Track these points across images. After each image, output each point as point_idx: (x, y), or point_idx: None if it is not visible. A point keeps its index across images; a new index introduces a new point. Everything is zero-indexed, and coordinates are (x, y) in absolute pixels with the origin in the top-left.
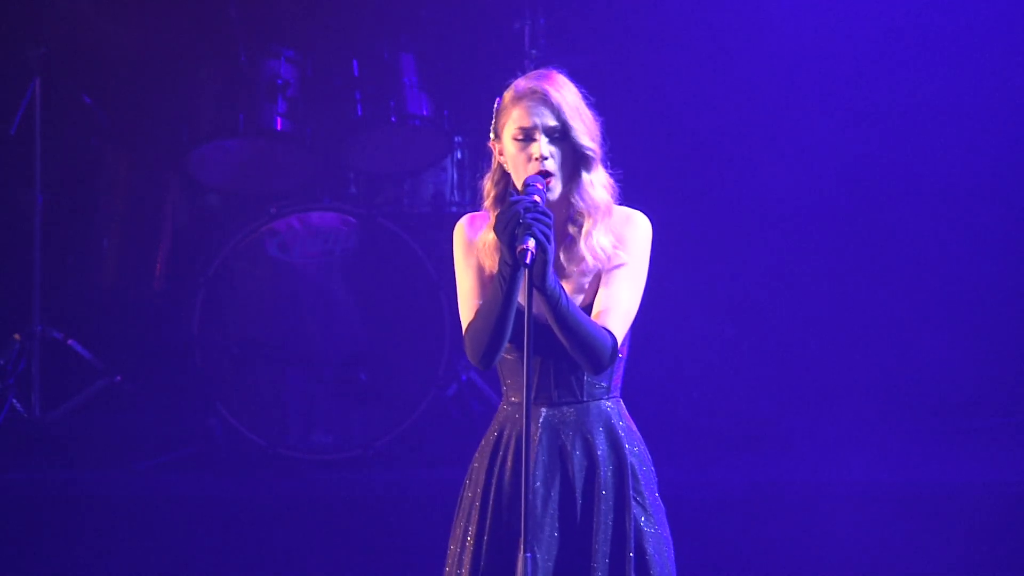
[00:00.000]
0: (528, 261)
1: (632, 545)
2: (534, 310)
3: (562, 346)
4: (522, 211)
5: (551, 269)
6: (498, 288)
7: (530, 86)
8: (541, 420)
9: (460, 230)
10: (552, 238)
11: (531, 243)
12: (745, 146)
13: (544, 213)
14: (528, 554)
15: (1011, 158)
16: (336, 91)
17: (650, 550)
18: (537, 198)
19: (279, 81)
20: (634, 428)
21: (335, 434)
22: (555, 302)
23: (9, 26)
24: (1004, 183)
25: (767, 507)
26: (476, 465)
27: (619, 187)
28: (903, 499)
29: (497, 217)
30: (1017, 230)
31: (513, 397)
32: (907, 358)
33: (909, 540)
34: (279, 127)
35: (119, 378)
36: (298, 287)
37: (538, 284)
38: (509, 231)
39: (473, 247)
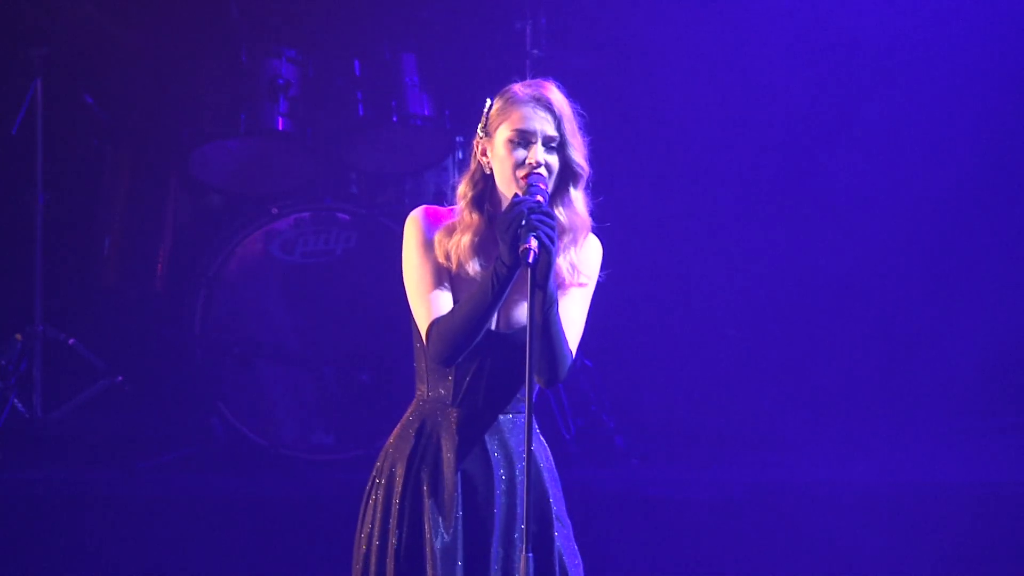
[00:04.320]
0: (531, 261)
1: (556, 560)
2: (494, 317)
3: (505, 354)
4: (526, 211)
5: (553, 271)
6: (488, 287)
7: (534, 93)
8: (458, 424)
9: (416, 224)
10: (556, 240)
11: (534, 243)
12: (747, 146)
13: (548, 214)
14: (530, 554)
15: (1012, 159)
16: (338, 91)
17: (568, 563)
18: (540, 198)
19: (280, 81)
20: (545, 443)
21: (335, 434)
22: (549, 305)
23: (11, 26)
24: (1005, 183)
25: (767, 507)
26: (387, 465)
27: (592, 210)
28: (903, 499)
29: (500, 217)
30: (1017, 230)
31: (433, 395)
32: (907, 358)
33: (909, 540)
34: (280, 127)
35: (120, 378)
36: (299, 287)
37: (541, 284)
38: (512, 230)
39: (432, 243)
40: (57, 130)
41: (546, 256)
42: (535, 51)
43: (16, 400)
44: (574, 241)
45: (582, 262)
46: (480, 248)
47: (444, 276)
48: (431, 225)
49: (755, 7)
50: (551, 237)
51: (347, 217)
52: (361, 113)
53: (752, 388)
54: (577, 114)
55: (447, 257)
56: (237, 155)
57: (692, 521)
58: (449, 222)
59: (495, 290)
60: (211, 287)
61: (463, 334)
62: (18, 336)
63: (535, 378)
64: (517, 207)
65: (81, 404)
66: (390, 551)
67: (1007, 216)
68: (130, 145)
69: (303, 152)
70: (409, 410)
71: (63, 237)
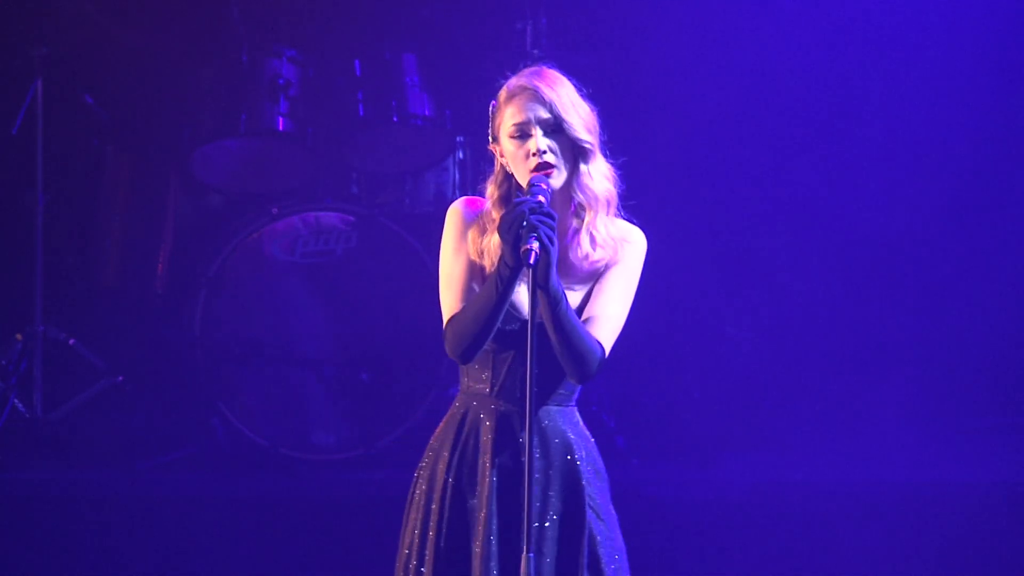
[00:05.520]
0: (532, 261)
1: (586, 551)
2: (519, 305)
3: (544, 347)
4: (527, 211)
5: (554, 271)
6: (494, 288)
7: (521, 83)
8: (497, 417)
9: (457, 214)
10: (556, 240)
11: (535, 244)
12: (747, 145)
13: (549, 215)
14: (531, 554)
15: (1012, 159)
16: (338, 91)
17: (604, 557)
18: (542, 198)
19: (281, 81)
20: (589, 436)
21: (336, 434)
22: (555, 304)
23: (11, 26)
24: (1009, 181)
25: (767, 507)
26: (430, 458)
27: (620, 173)
28: (903, 499)
29: (501, 217)
30: (1017, 230)
31: (473, 387)
32: (907, 358)
33: (909, 540)
34: (281, 127)
35: (121, 378)
36: (300, 287)
37: (542, 284)
38: (513, 231)
39: (467, 234)
40: (57, 130)
41: (546, 256)
42: (535, 51)
43: (16, 400)
44: (595, 214)
45: (619, 255)
46: None
47: (475, 272)
48: (468, 219)
49: (756, 6)
50: (551, 237)
51: (347, 217)
52: (361, 113)
53: (752, 388)
54: (579, 88)
55: (480, 254)
56: (237, 155)
57: (692, 521)
58: (484, 217)
59: (499, 291)
60: (211, 287)
61: (472, 333)
62: (18, 336)
63: (568, 374)
64: (518, 208)
65: (81, 404)
66: (429, 548)
67: (1007, 215)
68: (130, 145)
69: (303, 152)
70: (454, 402)
71: (63, 237)
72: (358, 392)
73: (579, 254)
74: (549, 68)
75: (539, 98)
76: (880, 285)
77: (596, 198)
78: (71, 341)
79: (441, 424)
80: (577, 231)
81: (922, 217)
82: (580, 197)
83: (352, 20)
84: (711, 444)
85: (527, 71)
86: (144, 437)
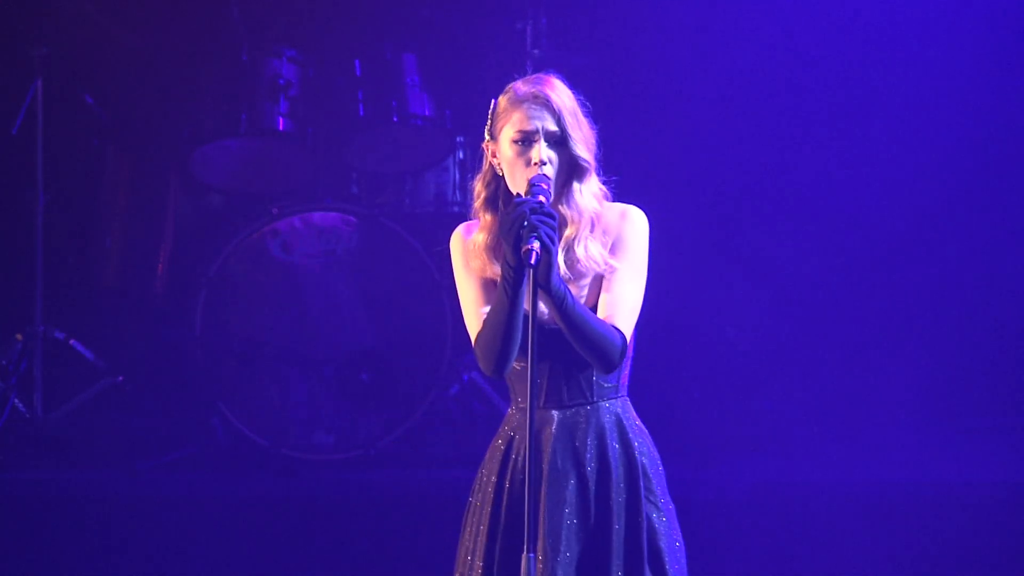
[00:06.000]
0: (533, 261)
1: (646, 542)
2: (540, 313)
3: (569, 348)
4: (528, 212)
5: (555, 270)
6: (503, 293)
7: (532, 90)
8: (555, 423)
9: (457, 240)
10: (556, 240)
11: (536, 244)
12: (747, 144)
13: (549, 215)
14: (531, 554)
15: (1012, 159)
16: (338, 91)
17: (664, 547)
18: (542, 198)
19: (281, 81)
20: (643, 427)
21: (336, 434)
22: (560, 301)
23: (11, 26)
24: (1008, 180)
25: (767, 507)
26: (485, 471)
27: (612, 192)
28: (903, 499)
29: (501, 218)
30: (1018, 229)
31: (522, 403)
32: (907, 358)
33: (909, 540)
34: (281, 127)
35: (121, 378)
36: (300, 287)
37: (543, 284)
38: (514, 232)
39: (470, 254)
40: (57, 130)
41: (547, 255)
42: (535, 51)
43: (16, 400)
44: (578, 230)
45: (619, 239)
46: (496, 247)
47: (488, 289)
48: (468, 240)
49: (756, 6)
50: (552, 237)
51: (347, 217)
52: (361, 113)
53: (753, 388)
54: (582, 104)
55: (484, 267)
56: (238, 155)
57: (692, 521)
58: (476, 231)
59: (509, 294)
60: (211, 287)
61: (496, 345)
62: (18, 336)
63: (594, 367)
64: (519, 208)
65: (81, 404)
66: (477, 564)
67: (1008, 215)
68: (131, 145)
69: (303, 152)
70: (502, 423)
71: (63, 237)
72: (358, 392)
73: (572, 266)
74: (557, 77)
75: (549, 107)
76: (881, 285)
77: (581, 215)
78: (71, 341)
79: (491, 445)
80: (566, 245)
81: (922, 217)
82: (567, 212)
83: (352, 20)
84: (711, 444)
85: (535, 77)
86: (144, 437)
